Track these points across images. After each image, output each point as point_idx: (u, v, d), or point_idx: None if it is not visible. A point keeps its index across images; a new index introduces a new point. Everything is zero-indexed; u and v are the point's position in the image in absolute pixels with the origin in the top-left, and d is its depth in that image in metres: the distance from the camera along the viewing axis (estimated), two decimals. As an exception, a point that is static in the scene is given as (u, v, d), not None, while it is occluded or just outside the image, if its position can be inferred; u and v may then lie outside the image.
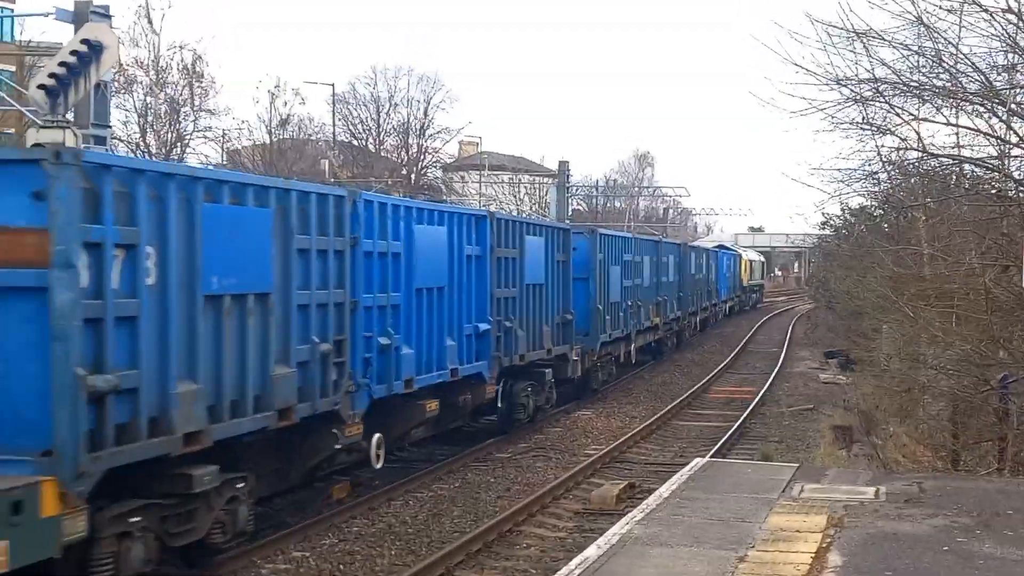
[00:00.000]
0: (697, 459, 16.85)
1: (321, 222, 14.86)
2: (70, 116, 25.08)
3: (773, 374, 38.68)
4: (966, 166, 21.29)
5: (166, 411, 11.56)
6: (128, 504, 11.30)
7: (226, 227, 12.63)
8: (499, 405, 23.11)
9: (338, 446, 15.51)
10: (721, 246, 73.07)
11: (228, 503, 12.87)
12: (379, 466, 17.15)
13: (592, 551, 10.75)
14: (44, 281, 10.34)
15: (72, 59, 23.51)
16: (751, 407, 29.77)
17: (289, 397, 13.84)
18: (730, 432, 25.37)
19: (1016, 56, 17.87)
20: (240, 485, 13.11)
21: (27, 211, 10.41)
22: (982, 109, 18.85)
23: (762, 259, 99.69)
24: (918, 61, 18.60)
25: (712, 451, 22.35)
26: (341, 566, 14.12)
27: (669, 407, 29.18)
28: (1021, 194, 19.36)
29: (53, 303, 10.30)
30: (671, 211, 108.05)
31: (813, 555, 10.42)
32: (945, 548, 10.75)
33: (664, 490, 13.70)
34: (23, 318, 10.47)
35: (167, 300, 11.67)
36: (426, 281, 18.54)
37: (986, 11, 17.21)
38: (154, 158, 48.77)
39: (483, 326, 21.22)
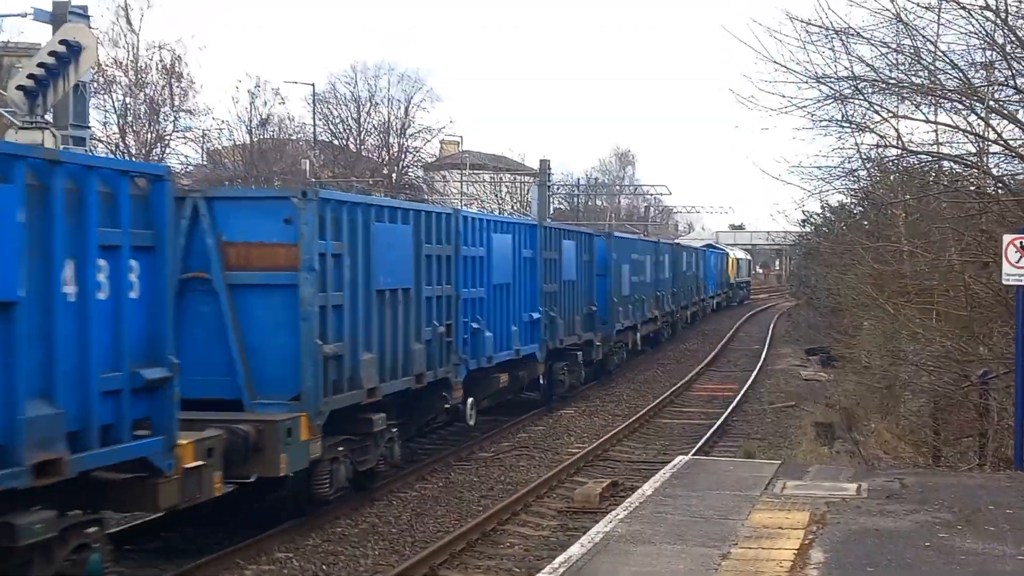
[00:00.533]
0: (680, 457, 16.88)
1: (438, 234, 19.61)
2: (49, 117, 25.01)
3: (755, 371, 38.77)
4: (945, 163, 21.44)
5: (357, 372, 16.09)
6: (336, 439, 15.65)
7: (386, 240, 17.16)
8: (542, 381, 27.42)
9: (447, 405, 20.45)
10: (710, 245, 77.57)
11: (387, 442, 17.31)
12: (472, 423, 21.88)
13: (575, 550, 10.76)
14: (294, 280, 14.85)
15: (51, 60, 23.45)
16: (734, 404, 29.84)
17: (421, 366, 18.50)
18: (713, 429, 25.42)
19: (994, 53, 17.98)
20: (394, 429, 17.60)
21: (280, 232, 14.93)
22: (961, 106, 18.98)
23: (749, 257, 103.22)
24: (897, 58, 18.73)
25: (695, 449, 22.40)
26: (325, 566, 14.10)
27: (650, 405, 29.23)
28: (1000, 191, 19.48)
29: (301, 296, 14.83)
30: (652, 209, 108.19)
31: (796, 552, 10.46)
32: (927, 544, 10.80)
33: (647, 488, 13.72)
34: (280, 306, 14.95)
35: (356, 294, 16.22)
36: (500, 279, 23.10)
37: (964, 8, 17.34)
38: (134, 158, 48.66)
39: (535, 315, 25.59)
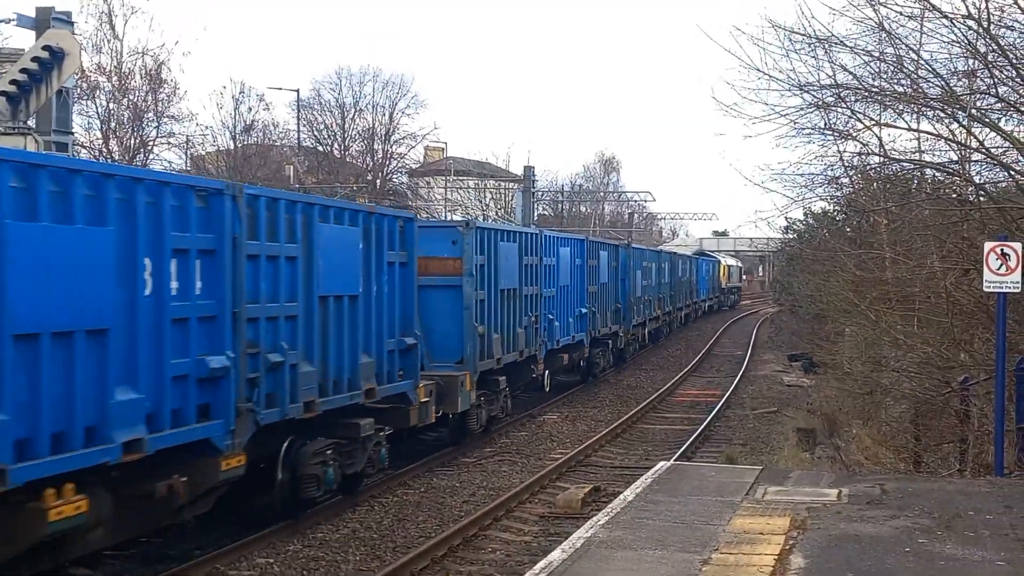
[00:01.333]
0: (662, 462, 16.91)
1: (530, 248, 26.73)
2: (32, 122, 24.97)
3: (738, 377, 38.86)
4: (927, 171, 21.51)
5: (490, 347, 23.31)
6: (480, 392, 22.83)
7: (505, 254, 24.49)
8: (581, 364, 34.10)
9: (534, 375, 27.74)
10: (703, 253, 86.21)
11: (503, 399, 24.93)
12: (547, 390, 29.98)
13: (556, 555, 10.77)
14: (459, 283, 22.13)
15: (34, 65, 23.45)
16: (716, 410, 29.90)
17: (522, 344, 25.78)
18: (695, 435, 25.47)
19: (976, 62, 18.05)
20: (508, 390, 25.45)
21: (449, 249, 22.07)
22: (943, 114, 19.05)
23: (739, 264, 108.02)
24: (880, 67, 18.79)
25: (677, 454, 22.43)
26: (306, 572, 14.09)
27: (635, 409, 29.28)
28: (981, 198, 19.55)
29: (464, 293, 22.10)
30: (636, 216, 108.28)
31: (776, 557, 10.48)
32: (907, 549, 10.84)
33: (629, 494, 13.73)
34: (449, 300, 22.08)
35: (491, 292, 23.49)
36: (564, 281, 30.21)
37: (946, 17, 17.40)
38: (117, 164, 48.49)
39: (583, 310, 32.74)
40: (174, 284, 12.16)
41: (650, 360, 45.45)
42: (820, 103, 19.09)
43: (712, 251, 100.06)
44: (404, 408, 18.46)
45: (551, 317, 28.59)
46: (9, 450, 9.84)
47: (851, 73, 18.68)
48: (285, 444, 15.09)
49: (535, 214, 67.43)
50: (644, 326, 45.54)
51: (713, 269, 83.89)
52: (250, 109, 61.01)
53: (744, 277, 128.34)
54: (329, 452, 15.80)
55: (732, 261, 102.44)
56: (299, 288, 14.89)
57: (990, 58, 17.58)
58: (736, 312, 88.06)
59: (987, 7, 16.81)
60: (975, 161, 19.69)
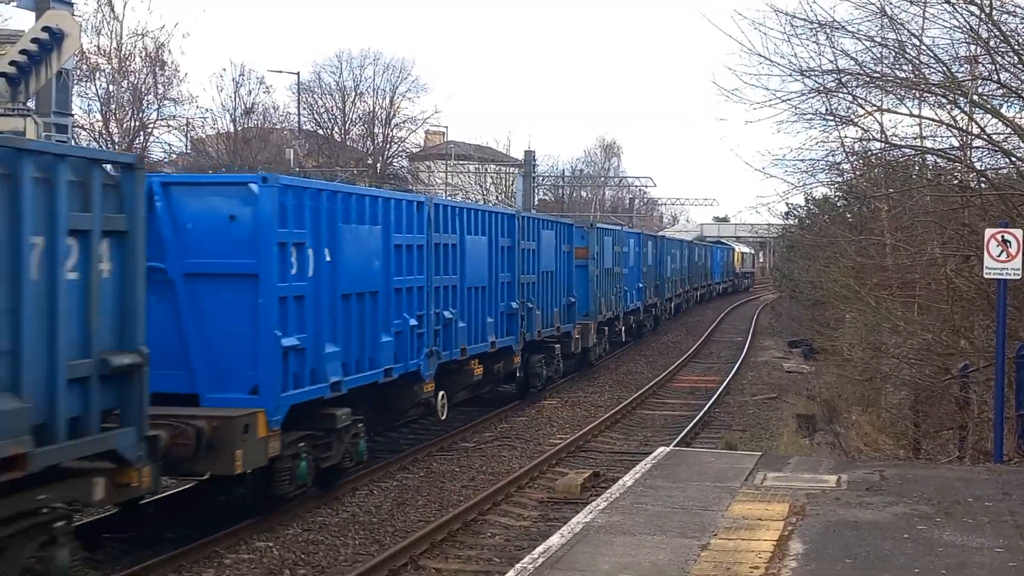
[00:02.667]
0: (661, 448, 16.91)
1: (619, 241, 37.89)
2: (31, 104, 24.91)
3: (738, 363, 38.88)
4: (928, 157, 21.48)
5: (603, 307, 35.71)
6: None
7: (606, 244, 36.28)
8: (638, 324, 44.48)
9: (616, 329, 38.27)
10: (718, 241, 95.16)
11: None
12: (624, 341, 40.80)
13: (555, 540, 10.77)
14: (587, 264, 33.10)
15: (33, 47, 23.35)
16: (716, 396, 29.91)
17: (616, 308, 36.25)
18: (695, 421, 25.47)
19: (978, 47, 18.02)
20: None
21: (583, 241, 33.34)
22: (944, 100, 19.01)
23: (753, 252, 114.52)
24: (881, 52, 18.75)
25: (676, 440, 22.43)
26: (304, 556, 14.09)
27: (632, 396, 29.31)
28: (982, 185, 19.52)
29: (589, 270, 33.35)
30: (637, 201, 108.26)
31: (775, 543, 10.48)
32: (905, 535, 10.83)
33: (628, 479, 13.73)
34: (583, 274, 32.82)
35: (603, 271, 35.21)
36: (631, 263, 41.54)
37: (948, 2, 17.37)
38: (116, 147, 48.48)
39: (641, 285, 43.75)
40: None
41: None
42: (821, 88, 19.07)
43: (713, 237, 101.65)
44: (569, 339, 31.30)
45: (626, 289, 40.02)
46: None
47: (853, 58, 18.66)
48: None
49: (535, 199, 67.37)
50: (671, 300, 56.11)
51: (728, 255, 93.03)
52: (250, 92, 61.03)
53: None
54: None
55: (745, 249, 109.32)
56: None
57: (992, 44, 17.54)
58: (740, 296, 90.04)
59: (990, -8, 16.78)
60: (976, 147, 19.68)
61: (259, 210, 14.34)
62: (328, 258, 15.89)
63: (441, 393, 20.70)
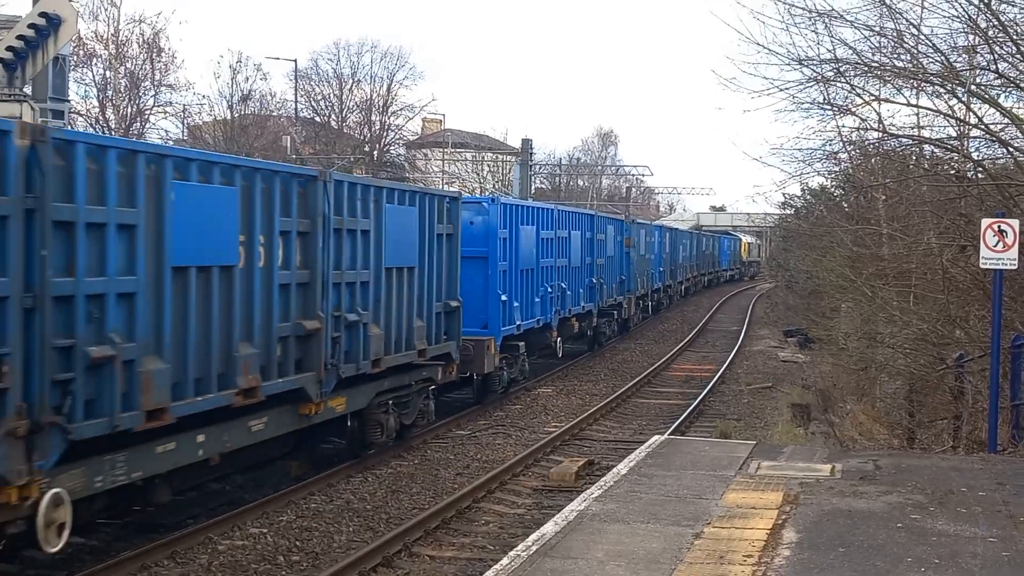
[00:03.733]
0: (656, 436, 16.92)
1: (650, 232, 48.21)
2: (28, 90, 24.82)
3: (733, 352, 38.90)
4: (926, 147, 21.47)
5: (643, 283, 45.33)
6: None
7: (643, 235, 46.54)
8: (659, 299, 53.31)
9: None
10: (726, 232, 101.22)
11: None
12: (649, 313, 49.79)
13: (549, 528, 10.77)
14: (629, 252, 41.55)
15: (30, 32, 23.26)
16: (711, 385, 29.92)
17: (647, 286, 45.64)
18: (689, 410, 25.48)
19: (976, 37, 17.99)
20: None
21: (627, 233, 41.29)
22: (942, 90, 19.00)
23: (759, 242, 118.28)
24: (880, 42, 18.73)
25: (671, 429, 22.44)
26: (299, 542, 14.09)
27: (630, 382, 29.37)
28: (979, 175, 19.51)
29: (632, 257, 41.58)
30: (634, 190, 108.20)
31: (768, 531, 10.49)
32: (899, 525, 10.85)
33: (622, 467, 13.74)
34: (629, 258, 41.69)
35: (640, 256, 44.65)
36: (656, 251, 49.78)
37: (947, -9, 17.31)
38: (113, 133, 48.41)
39: (662, 269, 52.22)
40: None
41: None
42: (819, 77, 19.04)
43: (710, 226, 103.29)
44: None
45: (652, 272, 49.23)
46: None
47: (851, 47, 18.63)
48: None
49: (532, 187, 67.32)
50: (681, 284, 64.04)
51: (735, 245, 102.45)
52: (247, 79, 60.91)
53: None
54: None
55: (752, 239, 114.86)
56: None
57: (990, 34, 17.51)
58: (736, 286, 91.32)
59: (988, -18, 16.75)
60: (974, 137, 19.66)
61: (489, 219, 24.48)
62: (515, 248, 25.85)
63: (559, 338, 30.57)
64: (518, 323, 26.14)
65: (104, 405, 11.21)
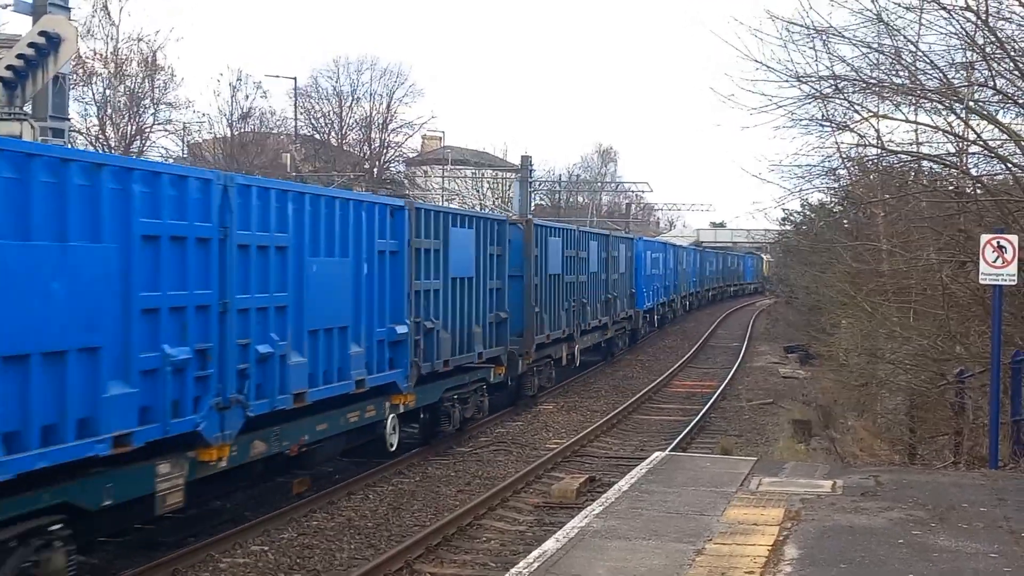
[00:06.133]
0: (657, 453, 16.91)
1: (687, 254, 64.59)
2: (28, 108, 24.87)
3: (734, 368, 38.89)
4: (924, 163, 21.50)
5: (667, 295, 55.17)
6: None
7: (674, 256, 58.19)
8: (689, 303, 66.42)
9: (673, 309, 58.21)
10: (749, 252, 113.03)
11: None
12: (681, 312, 62.25)
13: (551, 544, 10.77)
14: (672, 266, 57.49)
15: (30, 51, 23.31)
16: (712, 400, 29.92)
17: (677, 292, 59.15)
18: (691, 426, 25.47)
19: (974, 54, 18.02)
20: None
21: (670, 251, 56.60)
22: (940, 106, 19.01)
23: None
24: (878, 59, 18.76)
25: (672, 445, 22.43)
26: (300, 560, 14.09)
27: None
28: (978, 191, 19.54)
29: (677, 269, 59.41)
30: (634, 206, 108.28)
31: (770, 548, 10.49)
32: (900, 541, 10.85)
33: (623, 484, 13.74)
34: (655, 277, 51.71)
35: (672, 272, 57.66)
36: (688, 267, 64.69)
37: (945, 9, 17.38)
38: (113, 151, 48.46)
39: (696, 279, 69.35)
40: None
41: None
42: (818, 94, 19.07)
43: (710, 242, 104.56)
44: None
45: (684, 282, 61.69)
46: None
47: (849, 64, 18.67)
48: None
49: (532, 204, 67.39)
50: (709, 291, 78.63)
51: (759, 263, 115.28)
52: (247, 97, 60.94)
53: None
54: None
55: (771, 258, 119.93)
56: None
57: (988, 50, 17.55)
58: (729, 307, 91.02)
59: (986, -1, 16.79)
60: (972, 153, 19.69)
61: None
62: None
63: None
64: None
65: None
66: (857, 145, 21.33)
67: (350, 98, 69.61)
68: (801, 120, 19.73)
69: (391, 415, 18.68)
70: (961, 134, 19.20)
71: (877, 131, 20.48)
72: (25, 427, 10.30)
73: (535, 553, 10.57)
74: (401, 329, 18.51)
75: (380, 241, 17.94)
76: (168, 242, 12.44)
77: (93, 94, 52.96)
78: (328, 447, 17.36)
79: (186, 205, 12.80)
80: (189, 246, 12.81)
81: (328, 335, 16.09)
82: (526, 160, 63.39)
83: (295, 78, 68.46)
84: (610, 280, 38.13)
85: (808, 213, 41.61)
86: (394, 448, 19.06)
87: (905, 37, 18.21)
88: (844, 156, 22.20)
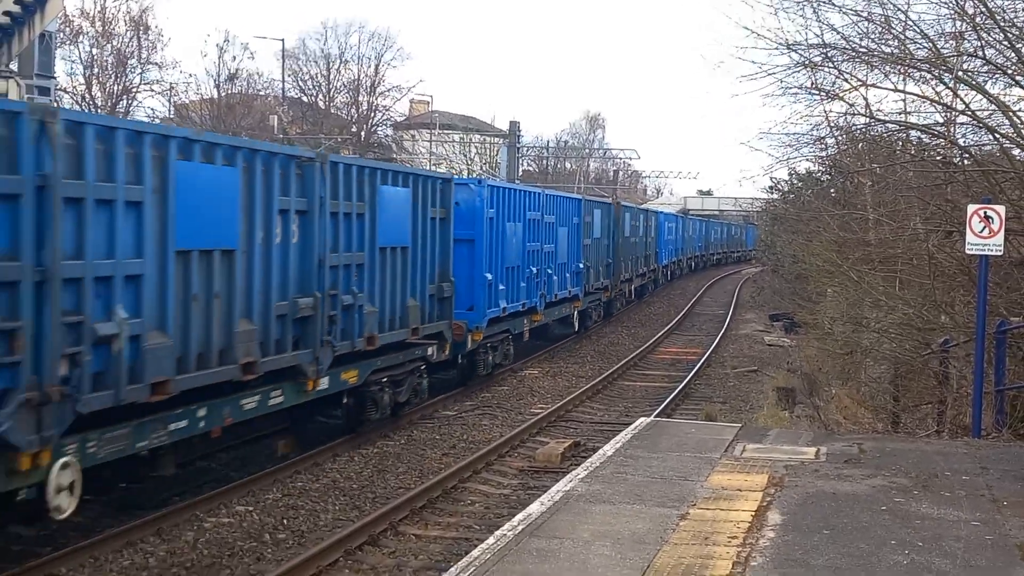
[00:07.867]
0: (642, 419, 16.94)
1: (699, 224, 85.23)
2: (14, 66, 24.74)
3: (719, 335, 38.98)
4: (912, 132, 21.50)
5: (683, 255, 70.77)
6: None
7: (687, 225, 76.65)
8: (696, 265, 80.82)
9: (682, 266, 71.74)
10: (750, 222, 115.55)
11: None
12: (689, 270, 75.87)
13: (535, 508, 10.79)
14: (684, 233, 73.74)
15: (16, 8, 23.18)
16: (697, 368, 30.00)
17: (691, 254, 77.03)
18: (675, 392, 25.55)
19: (964, 23, 17.99)
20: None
21: (684, 221, 75.64)
22: (929, 76, 19.01)
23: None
24: (867, 27, 18.73)
25: (657, 411, 22.50)
26: (285, 520, 14.13)
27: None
28: (966, 161, 19.55)
29: (685, 236, 74.07)
30: (621, 173, 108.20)
31: (753, 513, 10.53)
32: (883, 508, 10.89)
33: (608, 449, 13.77)
34: (682, 236, 72.08)
35: (688, 238, 75.21)
36: (698, 235, 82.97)
37: (935, -22, 17.32)
38: (99, 111, 48.21)
39: (701, 243, 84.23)
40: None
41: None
42: (808, 62, 19.05)
43: (696, 210, 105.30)
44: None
45: (695, 244, 77.39)
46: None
47: (839, 33, 18.64)
48: None
49: (520, 170, 67.27)
50: (714, 256, 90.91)
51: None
52: (234, 58, 60.64)
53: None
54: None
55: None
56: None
57: (978, 20, 17.52)
58: (715, 275, 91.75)
59: (976, -32, 16.76)
60: (960, 124, 19.68)
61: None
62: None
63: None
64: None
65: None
66: (846, 114, 21.32)
67: (338, 61, 69.35)
68: (790, 88, 19.72)
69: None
70: (949, 104, 19.20)
71: (866, 100, 20.48)
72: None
73: (520, 516, 10.60)
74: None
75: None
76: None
77: (80, 53, 52.70)
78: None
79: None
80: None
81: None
82: (514, 126, 63.23)
83: (283, 40, 67.98)
84: (647, 241, 51.53)
85: (795, 182, 41.66)
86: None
87: (895, 6, 18.20)
88: (832, 125, 22.21)
